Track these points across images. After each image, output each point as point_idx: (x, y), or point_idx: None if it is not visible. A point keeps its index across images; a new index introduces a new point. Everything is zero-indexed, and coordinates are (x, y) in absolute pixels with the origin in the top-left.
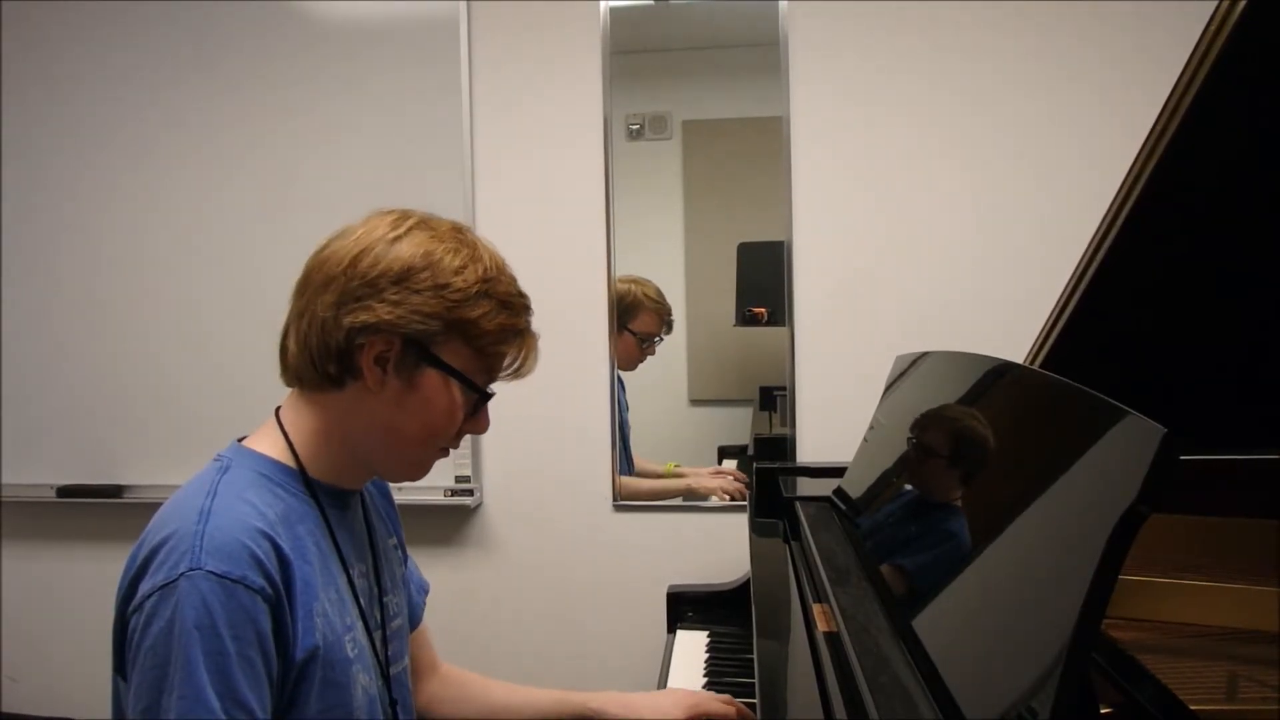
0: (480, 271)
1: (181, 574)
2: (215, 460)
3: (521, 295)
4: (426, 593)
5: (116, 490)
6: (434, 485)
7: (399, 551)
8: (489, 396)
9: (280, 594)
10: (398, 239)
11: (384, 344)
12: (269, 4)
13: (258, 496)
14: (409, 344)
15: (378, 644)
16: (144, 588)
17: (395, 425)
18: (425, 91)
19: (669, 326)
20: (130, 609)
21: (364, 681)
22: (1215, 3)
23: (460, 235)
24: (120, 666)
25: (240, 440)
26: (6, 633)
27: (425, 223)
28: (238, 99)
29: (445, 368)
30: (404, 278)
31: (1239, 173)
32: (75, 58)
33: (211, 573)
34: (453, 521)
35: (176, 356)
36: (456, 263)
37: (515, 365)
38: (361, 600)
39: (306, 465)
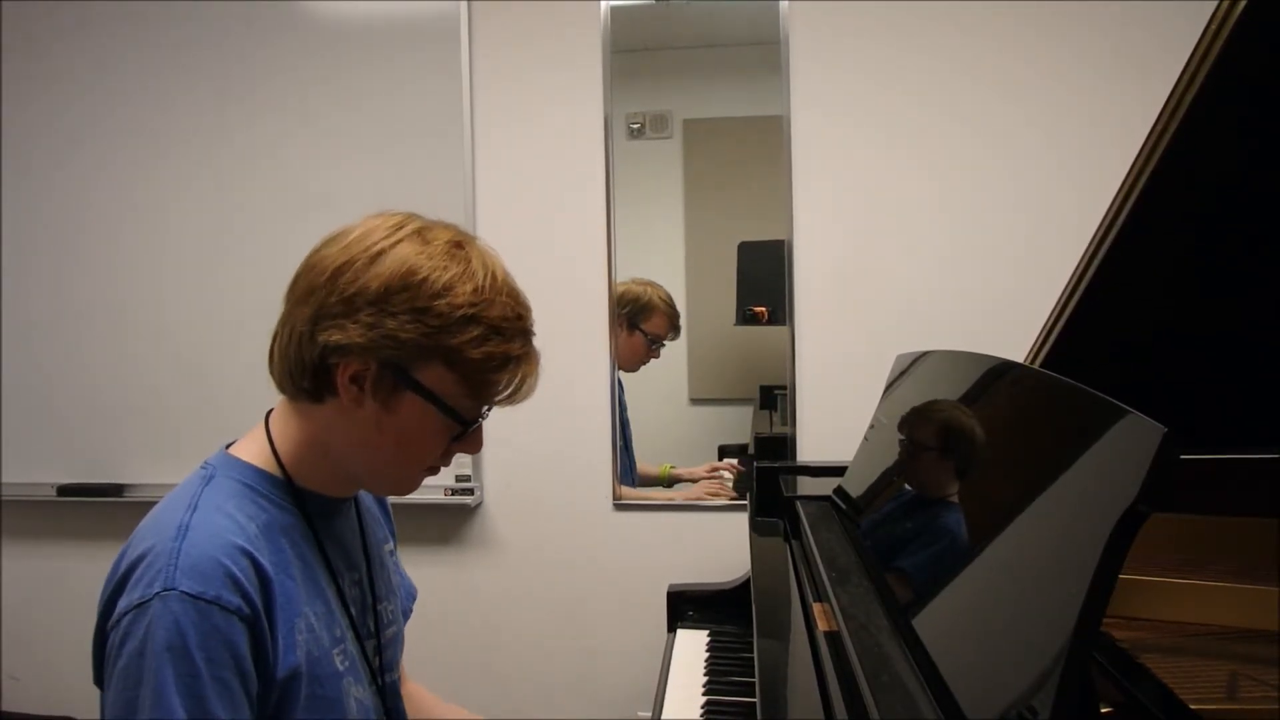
0: (468, 293)
1: (155, 594)
2: (201, 468)
3: (519, 318)
4: (414, 599)
5: (117, 489)
6: (435, 484)
7: (394, 556)
8: (470, 425)
9: (259, 612)
10: (381, 254)
11: (360, 364)
12: (269, 4)
13: (240, 509)
14: (386, 366)
15: (370, 653)
16: (120, 605)
17: (375, 445)
18: (426, 90)
19: (676, 331)
20: (109, 625)
21: (357, 693)
22: (1215, 3)
23: (455, 250)
24: (100, 679)
25: (228, 446)
26: (7, 631)
27: (420, 233)
28: (237, 99)
29: (425, 393)
30: (381, 299)
31: (1239, 172)
32: (74, 59)
33: (185, 594)
34: (453, 520)
35: (177, 356)
36: (440, 284)
37: (508, 392)
38: (353, 609)
39: (293, 474)
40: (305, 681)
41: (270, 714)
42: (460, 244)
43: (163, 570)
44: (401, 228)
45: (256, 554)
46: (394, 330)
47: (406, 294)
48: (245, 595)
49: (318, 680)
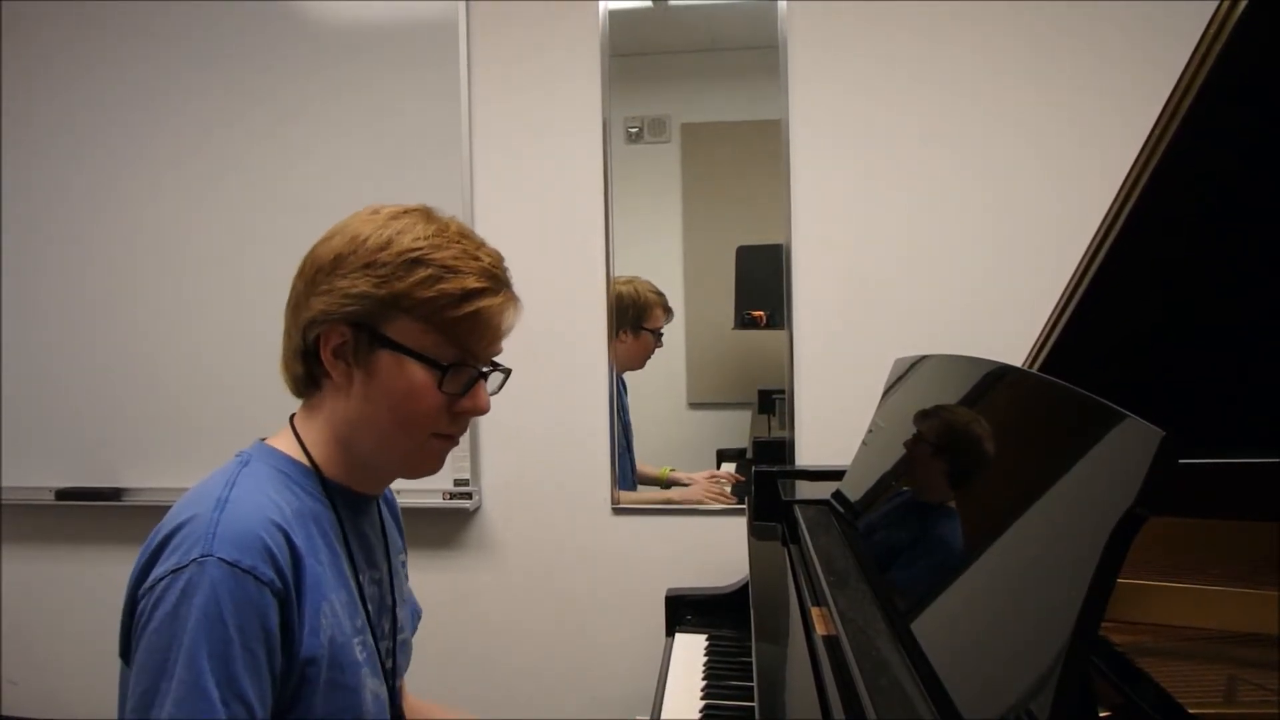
0: (408, 242)
1: (194, 559)
2: (238, 456)
3: (476, 257)
4: (419, 618)
5: (115, 493)
6: (433, 488)
7: (405, 569)
8: (446, 370)
9: (290, 589)
10: (336, 233)
11: (337, 335)
12: (268, 4)
13: (275, 492)
14: (359, 329)
15: (384, 654)
16: (156, 571)
17: (368, 418)
18: (424, 93)
19: (670, 313)
20: (141, 591)
21: (373, 686)
22: (1215, 3)
23: (401, 214)
24: (126, 651)
25: (263, 440)
26: (6, 635)
27: (373, 210)
28: (237, 100)
29: (395, 346)
30: (333, 266)
31: (1238, 174)
32: (74, 58)
33: (223, 560)
34: (451, 524)
35: (175, 359)
36: (383, 238)
37: (485, 328)
38: (370, 607)
39: (322, 467)
40: (326, 667)
41: (289, 697)
42: (407, 210)
43: (202, 538)
44: (359, 213)
45: (291, 532)
46: (346, 288)
47: (354, 256)
48: (279, 570)
49: (339, 667)
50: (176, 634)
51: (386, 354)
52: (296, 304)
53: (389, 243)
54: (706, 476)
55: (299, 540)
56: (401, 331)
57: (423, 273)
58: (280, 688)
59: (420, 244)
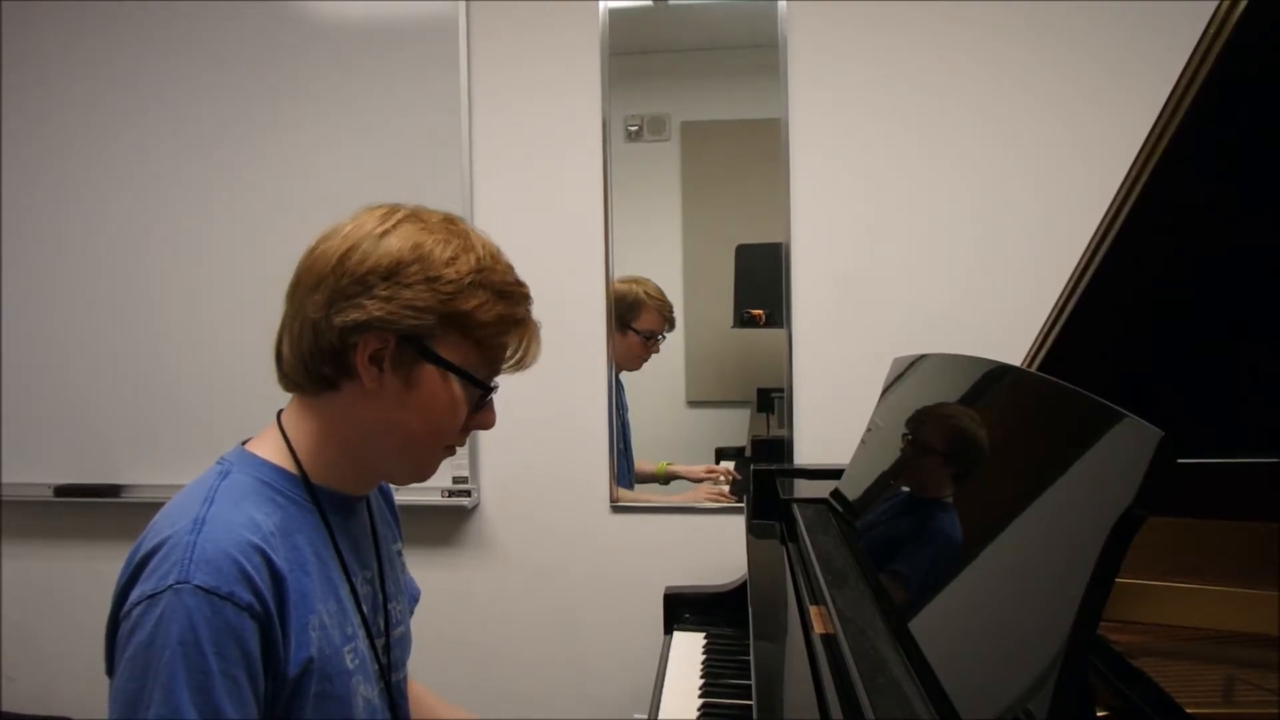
0: (473, 262)
1: (169, 586)
2: (217, 464)
3: (519, 284)
4: (417, 601)
5: (114, 490)
6: (432, 485)
7: (401, 557)
8: (491, 391)
9: (270, 611)
10: (385, 233)
11: (378, 341)
12: (268, 4)
13: (255, 505)
14: (405, 340)
15: (380, 651)
16: (133, 595)
17: (397, 425)
18: (424, 92)
19: (671, 323)
20: (121, 613)
21: (365, 693)
22: (1215, 4)
23: (451, 225)
24: (111, 669)
25: (244, 443)
26: (5, 631)
27: (415, 215)
28: (237, 99)
29: (444, 364)
30: (393, 272)
31: (1237, 175)
32: (75, 58)
33: (199, 587)
34: (450, 522)
35: (175, 356)
36: (447, 254)
37: (517, 356)
38: (365, 607)
39: (309, 471)
40: (316, 678)
41: (281, 712)
42: (453, 220)
43: (178, 563)
44: (395, 212)
45: (270, 552)
46: (410, 300)
47: (418, 265)
48: (258, 593)
49: (328, 678)
50: (151, 664)
51: (432, 369)
52: (331, 300)
53: (454, 260)
54: (704, 469)
55: (280, 558)
56: (451, 348)
57: (484, 295)
58: (271, 707)
59: (480, 266)
